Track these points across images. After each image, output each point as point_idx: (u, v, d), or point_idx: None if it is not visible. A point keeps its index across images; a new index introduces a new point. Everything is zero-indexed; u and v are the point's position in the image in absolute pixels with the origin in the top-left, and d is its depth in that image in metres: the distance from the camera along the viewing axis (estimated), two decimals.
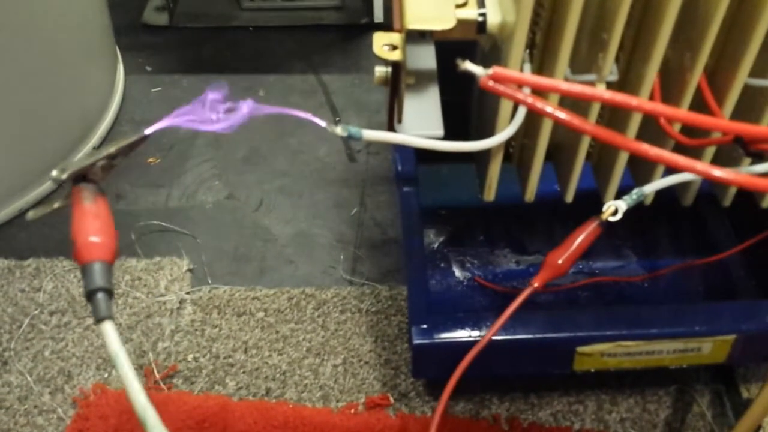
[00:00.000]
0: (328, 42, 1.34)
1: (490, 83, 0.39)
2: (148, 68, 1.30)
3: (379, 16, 1.35)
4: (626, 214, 0.60)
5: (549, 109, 0.40)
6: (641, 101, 0.40)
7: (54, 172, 0.41)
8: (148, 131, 0.45)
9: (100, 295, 0.38)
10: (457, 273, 0.92)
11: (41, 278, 0.96)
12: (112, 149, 0.43)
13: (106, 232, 0.40)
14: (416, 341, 0.65)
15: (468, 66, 0.39)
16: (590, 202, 0.68)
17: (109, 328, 0.38)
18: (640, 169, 0.69)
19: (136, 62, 1.31)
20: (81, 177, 0.42)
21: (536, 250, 0.94)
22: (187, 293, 0.95)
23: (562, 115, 0.40)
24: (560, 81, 0.40)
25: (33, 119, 1.04)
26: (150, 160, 1.14)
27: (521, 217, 0.97)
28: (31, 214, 0.43)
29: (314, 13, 1.38)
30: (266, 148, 1.15)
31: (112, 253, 0.40)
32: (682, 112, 0.41)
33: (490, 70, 0.39)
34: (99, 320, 0.38)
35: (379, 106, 1.21)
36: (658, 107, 0.42)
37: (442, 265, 0.93)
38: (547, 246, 0.96)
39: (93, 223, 0.40)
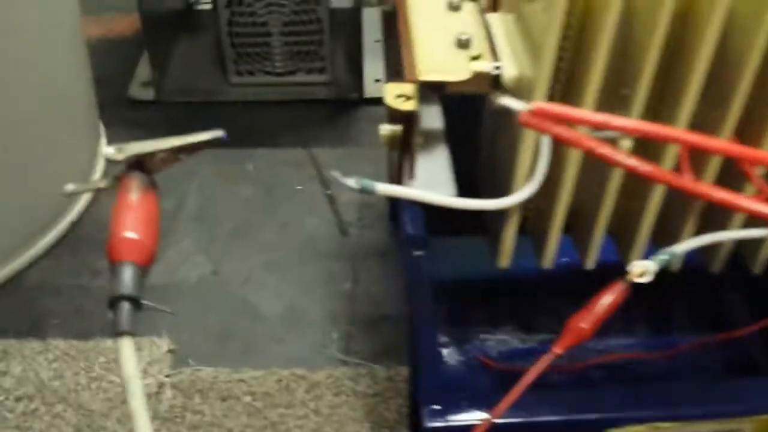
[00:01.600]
0: (318, 116, 1.32)
1: (532, 120, 0.35)
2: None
3: (369, 91, 1.33)
4: (634, 287, 0.55)
5: (620, 156, 0.35)
6: (725, 143, 0.35)
7: (110, 150, 0.37)
8: (224, 133, 0.40)
9: (124, 305, 0.34)
10: (459, 352, 0.86)
11: (8, 361, 0.89)
12: (177, 142, 0.39)
13: (147, 231, 0.36)
14: (429, 424, 0.59)
15: (505, 101, 0.35)
16: (603, 280, 0.63)
17: (127, 346, 0.33)
18: (664, 237, 0.64)
19: (119, 137, 1.26)
20: (137, 164, 0.38)
21: (543, 328, 0.89)
22: (167, 376, 0.88)
23: (631, 161, 0.35)
24: (622, 117, 0.36)
25: (7, 192, 0.99)
26: None
27: (525, 293, 0.92)
28: (70, 187, 0.39)
29: (304, 88, 1.36)
30: (253, 221, 1.10)
31: (147, 256, 0.36)
32: None
33: (532, 105, 0.35)
34: (118, 334, 0.34)
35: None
36: (745, 150, 0.37)
37: (442, 342, 0.87)
38: (554, 324, 0.89)
39: (134, 218, 0.36)
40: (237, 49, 1.32)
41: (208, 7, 1.48)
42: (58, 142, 1.08)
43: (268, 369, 0.89)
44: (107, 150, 0.37)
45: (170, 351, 0.91)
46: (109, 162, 0.38)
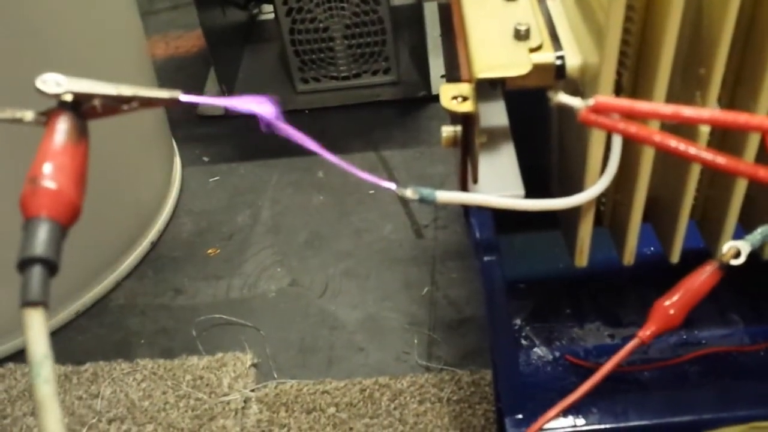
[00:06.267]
0: (386, 118, 1.30)
1: (593, 116, 0.32)
2: (206, 159, 1.28)
3: (436, 88, 1.30)
4: (728, 272, 0.51)
5: (692, 149, 0.32)
6: None
7: (45, 79, 0.30)
8: (183, 97, 0.34)
9: (36, 269, 0.26)
10: (545, 352, 0.83)
11: (99, 383, 0.91)
12: (128, 91, 0.33)
13: (70, 181, 0.29)
14: None
15: (562, 98, 0.33)
16: (690, 268, 0.59)
17: (36, 319, 0.25)
18: (754, 223, 0.60)
19: (193, 154, 1.29)
20: (73, 103, 0.31)
21: (632, 321, 0.85)
22: (252, 391, 0.88)
23: (705, 154, 0.32)
24: (693, 107, 0.33)
25: (88, 218, 1.01)
26: (209, 251, 1.09)
27: (610, 286, 0.88)
28: None
29: (370, 90, 1.35)
30: (328, 229, 1.09)
31: (68, 213, 0.29)
32: None
33: (591, 101, 0.32)
34: (26, 303, 0.26)
35: (442, 179, 1.15)
36: None
37: (526, 343, 0.84)
38: (643, 317, 0.86)
39: (56, 164, 0.29)
40: (301, 57, 1.32)
41: (270, 17, 1.48)
42: (134, 163, 1.09)
43: (350, 379, 0.88)
44: (43, 77, 0.29)
45: (254, 365, 0.91)
46: (40, 95, 0.30)
